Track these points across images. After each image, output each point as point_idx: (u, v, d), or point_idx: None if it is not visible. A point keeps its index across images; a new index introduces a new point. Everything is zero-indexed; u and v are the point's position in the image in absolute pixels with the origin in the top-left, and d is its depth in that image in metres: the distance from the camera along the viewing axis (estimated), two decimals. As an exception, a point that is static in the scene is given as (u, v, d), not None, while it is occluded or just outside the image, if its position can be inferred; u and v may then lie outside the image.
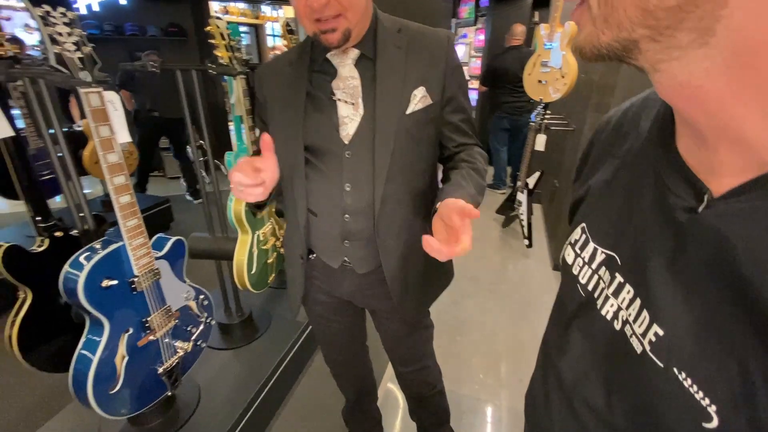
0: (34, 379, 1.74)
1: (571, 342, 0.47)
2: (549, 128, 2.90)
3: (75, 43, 0.79)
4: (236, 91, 1.30)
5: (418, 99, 0.83)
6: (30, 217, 1.09)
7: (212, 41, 1.21)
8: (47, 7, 0.76)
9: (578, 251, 0.48)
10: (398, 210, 0.88)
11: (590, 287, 0.45)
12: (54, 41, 0.77)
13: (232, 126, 1.57)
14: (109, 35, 4.06)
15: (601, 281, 0.43)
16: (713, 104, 0.28)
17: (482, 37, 5.06)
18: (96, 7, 3.96)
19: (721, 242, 0.30)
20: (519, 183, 3.15)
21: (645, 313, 0.36)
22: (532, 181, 3.13)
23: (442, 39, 0.85)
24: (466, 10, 5.38)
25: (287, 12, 7.30)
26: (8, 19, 3.91)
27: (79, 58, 0.80)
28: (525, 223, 3.07)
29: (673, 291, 0.33)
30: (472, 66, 5.39)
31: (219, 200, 1.60)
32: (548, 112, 2.85)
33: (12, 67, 0.90)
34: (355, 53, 0.82)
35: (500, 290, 2.63)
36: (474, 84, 5.41)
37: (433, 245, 0.62)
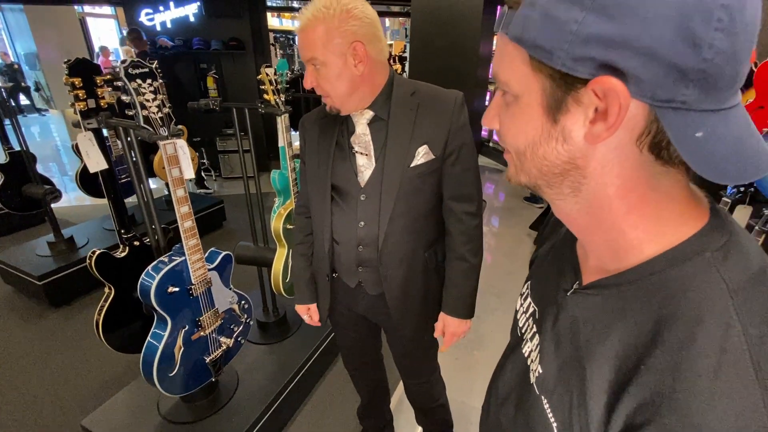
0: (110, 358, 2.10)
1: (506, 368, 0.61)
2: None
3: (158, 106, 1.03)
4: (280, 126, 1.52)
5: (422, 155, 0.98)
6: (116, 230, 1.37)
7: (262, 87, 1.43)
8: (139, 80, 1.00)
9: (522, 301, 0.62)
10: (399, 245, 1.04)
11: (522, 330, 0.59)
12: (143, 106, 1.01)
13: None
14: (179, 49, 4.53)
15: (527, 327, 0.57)
16: (582, 231, 0.43)
17: (528, 47, 5.02)
18: (169, 24, 4.43)
19: (573, 318, 0.44)
20: (552, 201, 3.16)
21: (539, 356, 0.50)
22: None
23: (450, 101, 0.99)
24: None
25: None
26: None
27: (160, 118, 1.04)
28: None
29: (551, 345, 0.47)
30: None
31: (261, 204, 1.83)
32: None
33: (110, 117, 1.16)
34: (369, 114, 0.98)
35: (525, 308, 2.68)
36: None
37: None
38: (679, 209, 0.37)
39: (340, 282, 1.16)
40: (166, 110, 1.05)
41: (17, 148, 2.60)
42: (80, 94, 1.28)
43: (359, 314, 1.22)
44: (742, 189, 1.68)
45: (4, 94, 2.74)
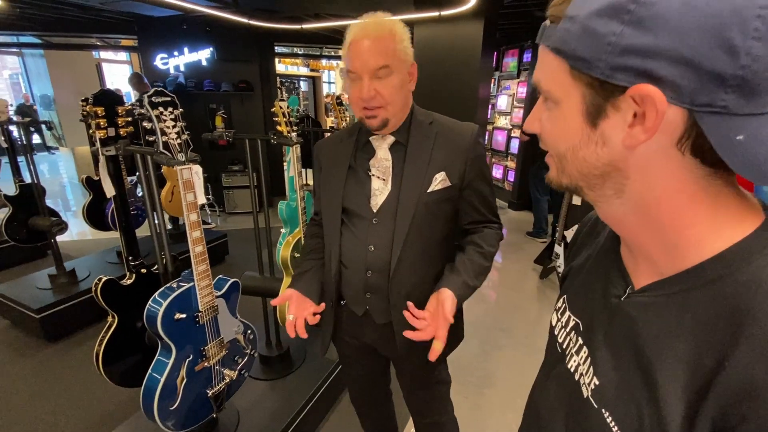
0: (107, 393, 2.01)
1: (548, 387, 0.58)
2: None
3: (177, 133, 1.06)
4: (292, 156, 1.56)
5: (438, 181, 0.99)
6: (124, 257, 1.36)
7: (275, 119, 1.49)
8: (161, 108, 1.04)
9: (559, 316, 0.60)
10: (411, 272, 1.02)
11: (564, 345, 0.56)
12: (163, 132, 1.04)
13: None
14: (191, 90, 4.73)
15: (570, 341, 0.55)
16: (631, 233, 0.42)
17: (523, 89, 5.25)
18: (182, 68, 4.66)
19: (631, 323, 0.43)
20: (557, 235, 3.17)
21: (591, 368, 0.47)
22: (569, 235, 3.13)
23: (467, 133, 1.01)
24: (509, 64, 5.63)
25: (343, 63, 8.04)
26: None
27: (179, 144, 1.07)
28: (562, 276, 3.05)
29: (606, 354, 0.45)
30: (515, 116, 5.56)
31: (269, 238, 1.83)
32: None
33: (129, 144, 1.19)
34: (390, 139, 1.01)
35: (535, 344, 2.51)
36: (516, 132, 5.58)
37: (415, 322, 0.89)
38: (735, 207, 0.37)
39: (347, 310, 1.13)
40: (184, 137, 1.08)
41: (28, 181, 2.65)
42: (102, 123, 1.33)
43: (367, 344, 1.18)
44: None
45: (17, 131, 2.84)
